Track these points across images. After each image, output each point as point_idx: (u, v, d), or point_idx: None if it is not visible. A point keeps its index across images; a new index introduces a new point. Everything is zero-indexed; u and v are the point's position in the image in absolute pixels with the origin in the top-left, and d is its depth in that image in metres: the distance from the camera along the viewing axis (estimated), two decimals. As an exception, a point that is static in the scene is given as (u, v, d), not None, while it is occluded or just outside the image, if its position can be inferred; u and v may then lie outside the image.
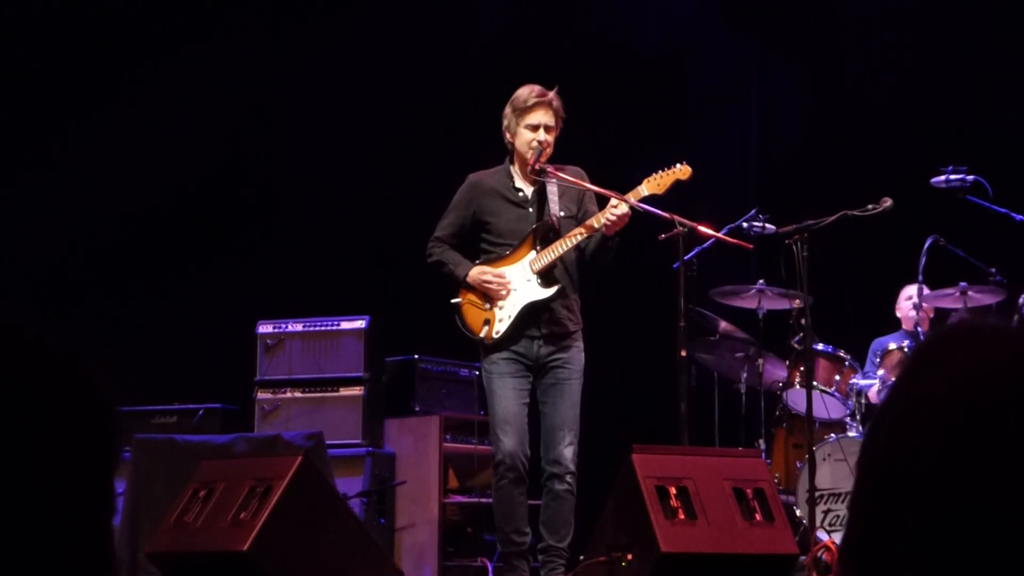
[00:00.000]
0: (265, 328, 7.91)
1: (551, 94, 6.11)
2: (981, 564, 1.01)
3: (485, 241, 6.23)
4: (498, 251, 6.18)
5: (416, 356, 7.95)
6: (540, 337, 6.07)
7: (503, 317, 6.08)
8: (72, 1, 9.37)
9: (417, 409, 7.86)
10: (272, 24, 9.68)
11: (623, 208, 5.91)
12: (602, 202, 6.10)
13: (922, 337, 7.53)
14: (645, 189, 6.04)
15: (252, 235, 9.38)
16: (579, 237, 6.05)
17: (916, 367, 1.10)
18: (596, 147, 6.51)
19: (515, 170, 6.21)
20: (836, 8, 9.68)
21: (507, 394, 6.02)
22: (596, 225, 6.02)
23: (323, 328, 7.83)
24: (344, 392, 7.73)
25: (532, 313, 6.07)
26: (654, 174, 6.08)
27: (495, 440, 6.05)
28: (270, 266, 9.25)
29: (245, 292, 8.97)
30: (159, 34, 9.42)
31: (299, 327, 7.86)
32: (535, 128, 6.07)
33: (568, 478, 5.98)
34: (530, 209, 6.18)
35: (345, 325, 7.81)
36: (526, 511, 6.05)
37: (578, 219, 6.16)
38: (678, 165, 6.08)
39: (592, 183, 6.15)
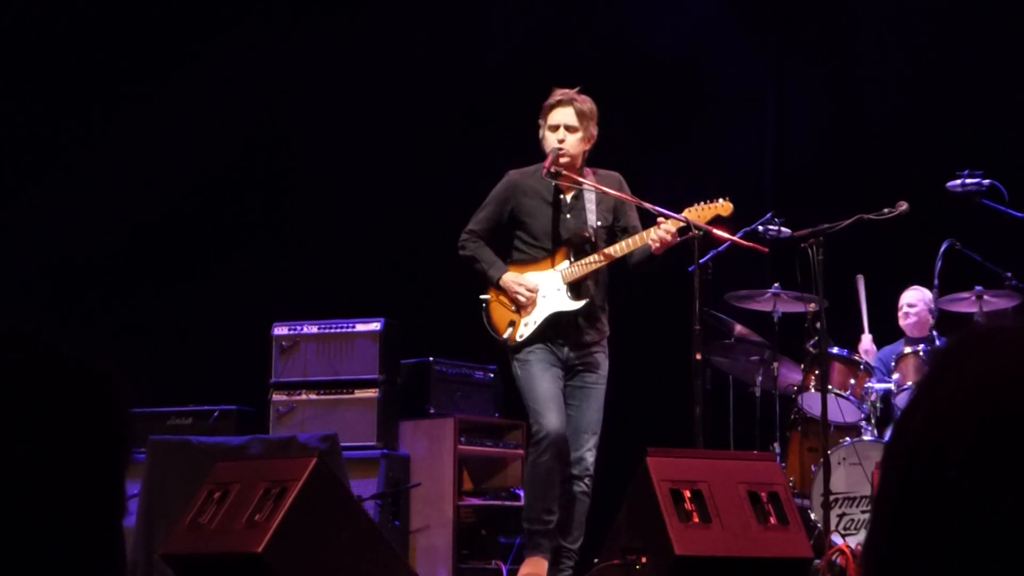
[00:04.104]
0: (280, 330, 7.92)
1: (572, 92, 6.10)
2: (1004, 569, 1.01)
3: (520, 240, 6.19)
4: (531, 253, 6.15)
5: (431, 358, 7.94)
6: (564, 344, 6.07)
7: (528, 322, 6.08)
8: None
9: (432, 411, 7.86)
10: (290, 26, 9.70)
11: (669, 226, 5.89)
12: (641, 210, 6.11)
13: (938, 342, 7.51)
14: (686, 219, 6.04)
15: (267, 236, 9.39)
16: (616, 254, 6.03)
17: (940, 370, 1.10)
18: (613, 152, 6.49)
19: None
20: (851, 13, 9.66)
21: (546, 376, 5.97)
22: (639, 243, 6.00)
23: (338, 330, 7.83)
24: (359, 394, 7.74)
25: (557, 323, 6.07)
26: (696, 205, 6.07)
27: (536, 417, 5.94)
28: (285, 268, 9.25)
29: (260, 294, 8.98)
30: (177, 32, 9.44)
31: (314, 329, 7.86)
32: (555, 128, 6.06)
33: (587, 480, 6.00)
34: (567, 215, 6.15)
35: (360, 327, 7.81)
36: (559, 492, 6.01)
37: (614, 229, 6.15)
38: (720, 200, 6.06)
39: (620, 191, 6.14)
